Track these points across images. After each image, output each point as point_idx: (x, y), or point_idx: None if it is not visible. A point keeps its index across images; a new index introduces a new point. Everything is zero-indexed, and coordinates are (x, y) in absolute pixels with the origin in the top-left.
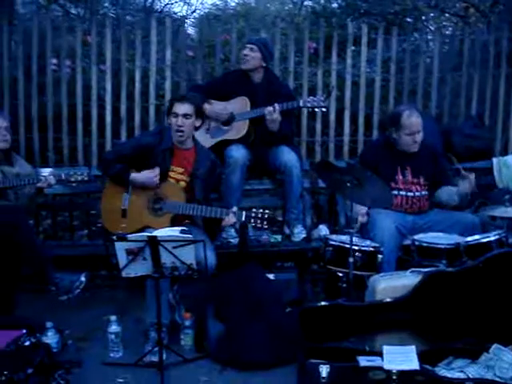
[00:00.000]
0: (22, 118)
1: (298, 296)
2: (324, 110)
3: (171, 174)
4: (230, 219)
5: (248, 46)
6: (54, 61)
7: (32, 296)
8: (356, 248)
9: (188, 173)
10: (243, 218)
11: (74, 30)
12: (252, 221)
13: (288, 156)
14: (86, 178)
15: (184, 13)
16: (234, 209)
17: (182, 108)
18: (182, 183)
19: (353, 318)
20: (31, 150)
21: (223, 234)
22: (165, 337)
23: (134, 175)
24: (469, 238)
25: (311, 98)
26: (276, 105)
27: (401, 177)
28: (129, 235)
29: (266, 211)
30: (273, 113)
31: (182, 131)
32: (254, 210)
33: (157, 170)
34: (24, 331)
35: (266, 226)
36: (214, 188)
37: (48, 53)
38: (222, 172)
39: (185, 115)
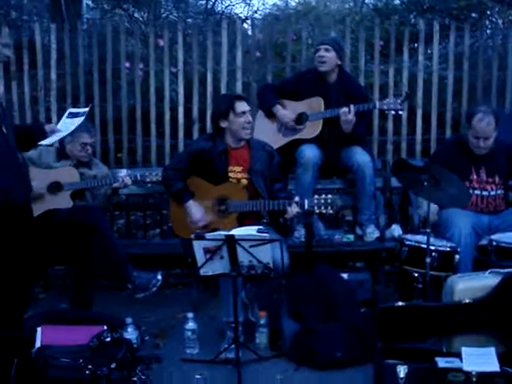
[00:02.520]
0: (98, 120)
1: (371, 296)
2: (400, 112)
3: (231, 174)
4: (293, 209)
5: (322, 46)
6: (127, 64)
7: (108, 293)
8: (432, 248)
9: (246, 170)
10: (306, 206)
11: (147, 34)
12: (316, 208)
13: (361, 156)
14: (160, 179)
15: (245, 14)
16: (297, 198)
17: (245, 105)
18: (244, 181)
19: (431, 318)
20: (106, 152)
21: (295, 234)
22: (240, 335)
23: (189, 205)
24: None
25: (387, 100)
26: (352, 106)
27: (475, 176)
28: (207, 234)
29: (329, 196)
30: (347, 113)
31: (251, 127)
32: (316, 196)
33: (205, 220)
34: (105, 327)
35: (330, 211)
36: (276, 179)
37: (122, 57)
38: (281, 162)
39: (249, 111)
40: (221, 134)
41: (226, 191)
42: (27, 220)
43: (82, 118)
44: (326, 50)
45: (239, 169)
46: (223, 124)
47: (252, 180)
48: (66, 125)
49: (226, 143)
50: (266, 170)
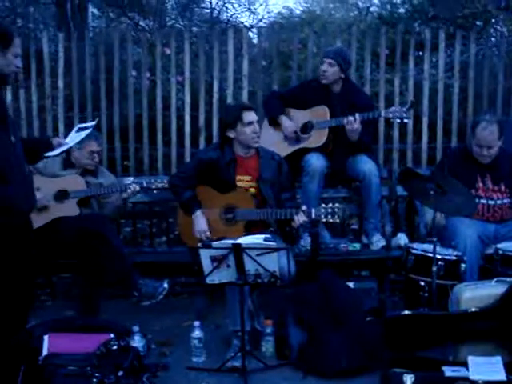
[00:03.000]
0: (105, 128)
1: (377, 305)
2: (406, 121)
3: (239, 183)
4: (300, 218)
5: (326, 60)
6: (134, 73)
7: (114, 301)
8: (439, 257)
9: (255, 179)
10: (313, 215)
11: (154, 43)
12: (322, 216)
13: (367, 165)
14: (166, 186)
15: (250, 22)
16: (304, 207)
17: (253, 115)
18: (252, 190)
19: (437, 327)
20: (113, 160)
21: (301, 242)
22: (246, 343)
23: (197, 216)
24: None
25: (393, 108)
26: (357, 114)
27: (481, 184)
28: (213, 242)
29: (336, 205)
30: (353, 123)
31: (259, 137)
32: (323, 205)
33: (207, 233)
34: (112, 335)
35: (337, 220)
36: (284, 188)
37: (129, 65)
38: (289, 172)
39: (257, 121)
40: (229, 144)
41: (233, 199)
42: (28, 230)
43: (89, 131)
44: (330, 64)
45: (248, 178)
46: (231, 134)
47: (260, 189)
48: (74, 138)
49: (234, 152)
50: (274, 180)
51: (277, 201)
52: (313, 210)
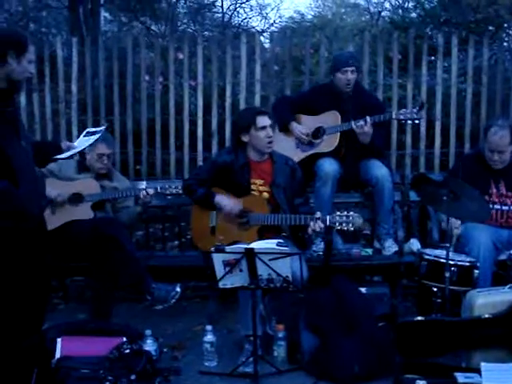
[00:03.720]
0: (118, 133)
1: (389, 311)
2: (417, 121)
3: (253, 187)
4: (316, 225)
5: (349, 69)
6: (147, 77)
7: (126, 305)
8: (452, 263)
9: (268, 183)
10: (328, 222)
11: (167, 47)
12: (337, 224)
13: (380, 170)
14: (180, 191)
15: (262, 27)
16: (318, 214)
17: (266, 120)
18: (266, 194)
19: (450, 333)
20: (125, 164)
21: (313, 247)
22: (258, 348)
23: (219, 199)
24: None
25: (404, 110)
26: (368, 117)
27: (495, 190)
28: (226, 247)
29: (351, 213)
30: (363, 126)
31: (272, 141)
32: (338, 213)
33: (239, 207)
34: (124, 339)
35: (351, 229)
36: (296, 193)
37: (142, 70)
38: (303, 177)
39: (271, 125)
40: (242, 148)
41: (248, 204)
42: (42, 233)
43: (98, 136)
44: (352, 72)
45: (261, 182)
46: (245, 138)
47: (273, 193)
48: (83, 142)
49: (248, 156)
50: (287, 185)
51: (290, 206)
52: (328, 217)
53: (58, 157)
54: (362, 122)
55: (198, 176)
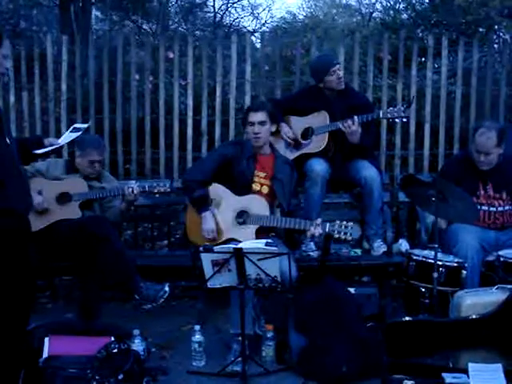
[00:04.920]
0: (107, 132)
1: (378, 311)
2: (405, 120)
3: (255, 179)
4: (315, 230)
5: (336, 67)
6: (137, 76)
7: (114, 304)
8: (440, 263)
9: (269, 177)
10: (327, 230)
11: (158, 46)
12: (336, 232)
13: (369, 170)
14: (168, 190)
15: (253, 27)
16: (319, 220)
17: (257, 116)
18: (265, 187)
19: (438, 333)
20: (115, 163)
21: (302, 247)
22: (246, 348)
23: (206, 216)
24: None
25: (391, 108)
26: (355, 117)
27: (482, 192)
28: (215, 247)
29: (350, 223)
30: (351, 125)
31: (258, 137)
32: (337, 221)
33: (214, 234)
34: (112, 338)
35: (350, 238)
36: (294, 193)
37: (132, 69)
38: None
39: (260, 122)
40: (249, 140)
41: (247, 203)
42: (26, 232)
43: (80, 133)
44: (339, 68)
45: (263, 175)
46: (246, 130)
47: (273, 188)
48: (67, 138)
49: (254, 149)
50: (287, 182)
51: (287, 203)
52: (327, 225)
53: (38, 152)
54: (349, 122)
55: (202, 168)
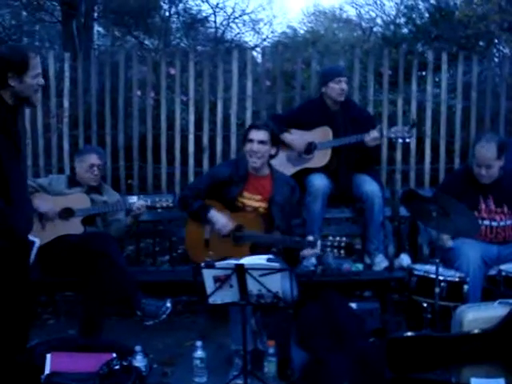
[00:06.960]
0: (109, 147)
1: (380, 326)
2: (408, 140)
3: (247, 201)
4: (309, 251)
5: (342, 79)
6: (139, 92)
7: (116, 320)
8: (441, 278)
9: (266, 199)
10: (318, 248)
11: (159, 62)
12: (328, 250)
13: (370, 185)
14: (170, 205)
15: (254, 42)
16: (310, 238)
17: (258, 134)
18: (261, 210)
19: (440, 348)
20: (117, 179)
21: (304, 262)
22: (248, 363)
23: (212, 214)
24: None
25: (395, 128)
26: (372, 131)
27: (484, 206)
28: (217, 263)
29: (343, 238)
30: (377, 139)
31: (256, 157)
32: (330, 238)
33: (231, 224)
34: (114, 355)
35: (343, 255)
36: (294, 213)
37: (134, 85)
38: (300, 198)
39: (260, 142)
40: (245, 159)
41: (242, 220)
42: (25, 254)
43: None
44: (346, 82)
45: (258, 197)
46: (245, 147)
47: (271, 210)
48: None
49: (247, 169)
50: (286, 204)
51: (286, 225)
52: (319, 242)
53: None
54: (377, 135)
55: (196, 186)
